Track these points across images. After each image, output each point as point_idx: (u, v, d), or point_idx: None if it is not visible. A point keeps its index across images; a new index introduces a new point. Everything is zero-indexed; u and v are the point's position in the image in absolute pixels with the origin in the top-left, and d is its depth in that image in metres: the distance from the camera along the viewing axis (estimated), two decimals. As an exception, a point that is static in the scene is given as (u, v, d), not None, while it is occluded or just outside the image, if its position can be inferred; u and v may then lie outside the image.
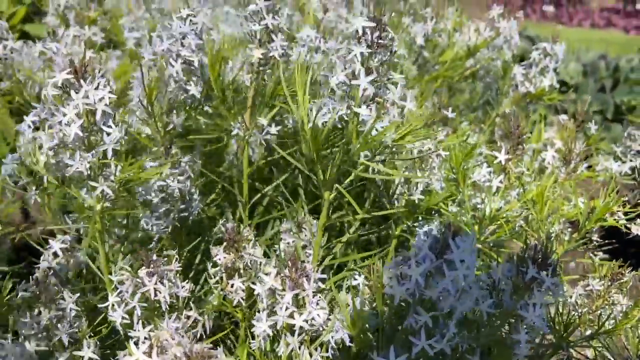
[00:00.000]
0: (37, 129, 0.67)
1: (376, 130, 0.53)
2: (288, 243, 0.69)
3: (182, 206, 0.68)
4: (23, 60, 0.96)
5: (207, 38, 0.94)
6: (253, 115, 0.73)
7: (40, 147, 0.58)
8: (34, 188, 0.71)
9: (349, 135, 0.54)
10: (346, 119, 0.54)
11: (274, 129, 0.75)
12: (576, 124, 1.08)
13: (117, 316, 0.54)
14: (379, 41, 0.53)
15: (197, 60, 0.67)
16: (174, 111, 0.68)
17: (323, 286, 0.52)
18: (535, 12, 7.86)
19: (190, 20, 0.67)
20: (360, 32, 0.52)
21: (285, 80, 0.70)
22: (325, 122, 0.55)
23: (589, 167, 1.10)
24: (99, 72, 0.53)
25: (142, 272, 0.56)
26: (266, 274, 0.52)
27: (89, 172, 0.55)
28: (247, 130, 0.73)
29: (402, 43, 0.99)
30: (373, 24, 0.52)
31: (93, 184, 0.56)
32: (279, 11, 0.72)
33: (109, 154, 0.54)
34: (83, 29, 0.90)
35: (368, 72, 0.54)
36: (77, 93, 0.52)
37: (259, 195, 0.80)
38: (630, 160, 1.08)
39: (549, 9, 7.80)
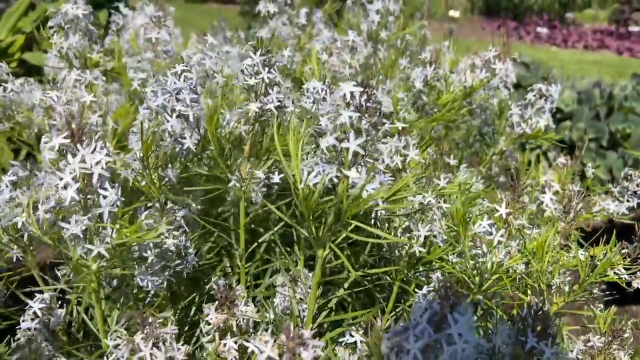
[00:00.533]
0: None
1: (366, 191, 0.53)
2: (284, 297, 0.68)
3: (178, 261, 0.67)
4: (23, 100, 0.96)
5: (209, 85, 0.94)
6: (250, 167, 0.73)
7: (28, 206, 0.58)
8: (14, 247, 0.70)
9: (338, 198, 0.54)
10: (336, 181, 0.54)
11: (275, 178, 0.75)
12: (573, 162, 1.08)
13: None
14: (368, 104, 0.53)
15: (192, 114, 0.67)
16: (169, 165, 0.68)
17: (321, 354, 0.51)
18: (529, 34, 7.95)
19: (185, 76, 0.66)
20: (349, 96, 0.52)
21: (281, 134, 0.70)
22: (316, 183, 0.55)
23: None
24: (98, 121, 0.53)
25: (138, 337, 0.55)
26: (264, 342, 0.51)
27: (84, 234, 0.54)
28: (244, 182, 0.73)
29: (400, 85, 0.99)
30: (361, 89, 0.52)
31: (89, 246, 0.55)
32: (275, 64, 0.72)
33: (105, 216, 0.54)
34: (84, 72, 0.90)
35: (358, 134, 0.53)
36: (74, 157, 0.51)
37: (255, 245, 0.79)
38: (628, 201, 1.08)
39: (543, 30, 7.89)
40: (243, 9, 3.40)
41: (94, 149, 0.53)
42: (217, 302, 0.62)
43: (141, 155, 0.65)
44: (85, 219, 0.53)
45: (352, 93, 0.51)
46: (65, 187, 0.52)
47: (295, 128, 0.57)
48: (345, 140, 0.52)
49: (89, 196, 0.55)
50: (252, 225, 0.88)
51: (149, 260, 0.64)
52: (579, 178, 1.05)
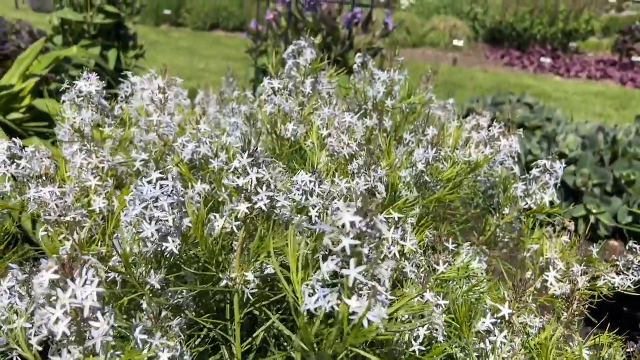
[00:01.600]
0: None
1: (367, 320, 0.53)
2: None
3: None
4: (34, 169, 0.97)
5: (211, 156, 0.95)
6: (241, 265, 0.73)
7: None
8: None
9: (338, 324, 0.54)
10: (337, 309, 0.54)
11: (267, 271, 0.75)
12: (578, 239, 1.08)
13: None
14: (369, 230, 0.53)
15: (171, 219, 0.68)
16: (152, 270, 0.68)
17: None
18: (532, 63, 8.01)
19: (161, 185, 0.67)
20: (348, 227, 0.52)
21: (272, 234, 0.71)
22: (317, 308, 0.55)
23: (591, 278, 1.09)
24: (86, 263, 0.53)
25: None
26: None
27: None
28: (235, 281, 0.73)
29: (403, 163, 1.00)
30: (360, 218, 0.52)
31: None
32: (263, 163, 0.73)
33: (98, 347, 0.54)
34: (91, 157, 0.91)
35: (359, 260, 0.54)
36: (64, 292, 0.52)
37: (249, 340, 0.79)
38: (633, 275, 1.08)
39: (546, 60, 7.95)
40: (250, 47, 3.44)
41: (85, 282, 0.53)
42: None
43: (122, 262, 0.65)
44: (76, 351, 0.54)
45: (352, 222, 0.51)
46: (56, 322, 0.52)
47: (294, 241, 0.58)
48: (346, 268, 0.53)
49: (82, 326, 0.55)
50: (252, 309, 0.88)
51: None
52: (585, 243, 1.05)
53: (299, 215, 0.76)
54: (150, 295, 0.69)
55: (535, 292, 0.99)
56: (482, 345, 0.76)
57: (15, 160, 0.97)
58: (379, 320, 0.51)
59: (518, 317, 0.74)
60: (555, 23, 8.96)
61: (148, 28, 8.51)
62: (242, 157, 0.69)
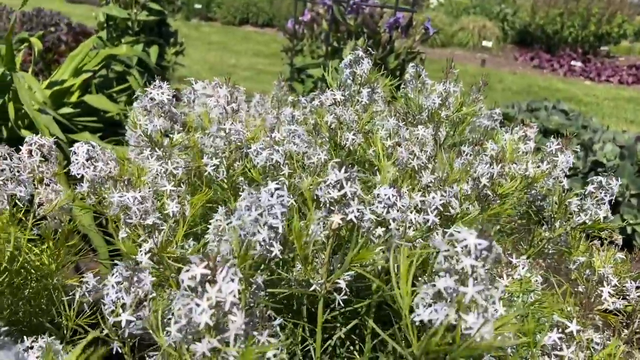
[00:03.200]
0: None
1: (480, 336, 0.56)
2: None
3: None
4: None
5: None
6: (330, 273, 0.77)
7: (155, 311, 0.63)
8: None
9: (453, 339, 0.57)
10: (454, 323, 0.57)
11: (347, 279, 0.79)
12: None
13: None
14: (487, 253, 0.56)
15: (281, 227, 0.72)
16: (258, 271, 0.72)
17: None
18: (562, 66, 7.92)
19: (278, 195, 0.71)
20: (473, 249, 0.55)
21: (362, 246, 0.74)
22: (431, 320, 0.58)
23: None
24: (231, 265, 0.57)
25: None
26: None
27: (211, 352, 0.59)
28: (323, 287, 0.77)
29: (462, 176, 1.03)
30: (483, 241, 0.56)
31: None
32: (356, 178, 0.77)
33: (232, 340, 0.58)
34: (166, 163, 0.95)
35: (475, 280, 0.57)
36: (212, 286, 0.57)
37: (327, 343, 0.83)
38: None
39: (577, 64, 7.85)
40: (286, 46, 3.48)
41: (229, 279, 0.57)
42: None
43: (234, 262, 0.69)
44: (215, 340, 0.58)
45: (474, 244, 0.55)
46: (200, 314, 0.57)
47: (406, 256, 0.61)
48: (464, 286, 0.56)
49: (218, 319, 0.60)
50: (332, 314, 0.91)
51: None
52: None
53: (379, 227, 0.79)
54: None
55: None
56: (546, 359, 0.78)
57: (93, 162, 1.02)
58: (490, 337, 0.54)
59: (583, 332, 0.77)
60: (587, 26, 8.82)
61: (180, 22, 8.61)
62: (339, 172, 0.73)
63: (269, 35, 8.69)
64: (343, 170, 0.76)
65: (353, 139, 1.14)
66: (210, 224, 1.09)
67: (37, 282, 1.07)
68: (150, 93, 1.05)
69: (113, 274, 0.74)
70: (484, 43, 8.27)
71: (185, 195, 1.00)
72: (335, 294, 0.78)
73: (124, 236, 0.90)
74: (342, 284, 0.77)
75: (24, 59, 2.97)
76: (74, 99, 2.32)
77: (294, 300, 0.94)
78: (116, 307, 0.72)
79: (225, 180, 1.06)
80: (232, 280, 0.57)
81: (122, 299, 0.72)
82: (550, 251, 1.31)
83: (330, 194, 0.76)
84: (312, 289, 0.77)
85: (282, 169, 1.01)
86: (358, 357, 0.92)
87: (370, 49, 1.37)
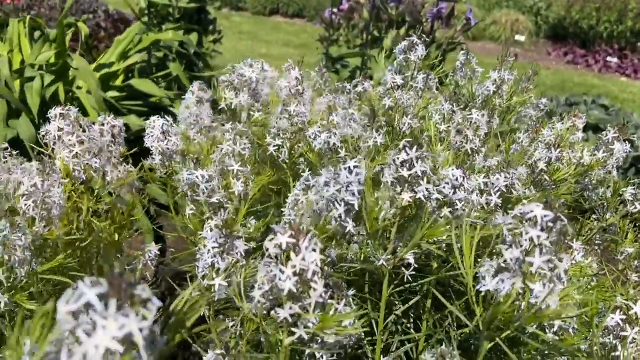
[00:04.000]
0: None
1: (545, 304, 0.58)
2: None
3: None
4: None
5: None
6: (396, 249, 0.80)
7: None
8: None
9: (520, 308, 0.59)
10: (520, 292, 0.60)
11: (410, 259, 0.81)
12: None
13: None
14: (554, 225, 0.58)
15: (357, 204, 0.75)
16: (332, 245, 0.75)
17: None
18: (597, 62, 7.75)
19: (356, 172, 0.74)
20: (540, 220, 0.57)
21: (432, 225, 0.77)
22: (499, 289, 0.61)
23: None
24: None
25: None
26: None
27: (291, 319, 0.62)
28: (390, 262, 0.80)
29: (520, 159, 1.04)
30: (550, 214, 0.57)
31: (293, 329, 0.63)
32: (426, 158, 0.78)
33: (312, 306, 0.61)
34: (235, 144, 0.98)
35: (541, 250, 0.59)
36: (296, 255, 0.59)
37: (391, 317, 0.86)
38: None
39: (613, 60, 7.68)
40: (322, 35, 3.49)
41: (312, 249, 0.60)
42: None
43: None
44: (296, 306, 0.61)
45: (542, 216, 0.57)
46: (284, 280, 0.59)
47: (467, 229, 0.64)
48: (531, 255, 0.58)
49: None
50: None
51: (328, 342, 0.72)
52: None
53: (445, 207, 0.82)
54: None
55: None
56: (607, 339, 0.80)
57: (166, 136, 1.06)
58: (555, 306, 0.56)
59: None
60: (623, 21, 8.62)
61: (211, 10, 8.67)
62: (410, 151, 0.75)
63: (298, 26, 8.71)
64: (414, 149, 0.78)
65: (409, 123, 1.16)
66: (267, 203, 1.13)
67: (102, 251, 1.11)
68: (241, 69, 1.08)
69: (209, 240, 0.78)
70: (517, 37, 8.15)
71: (250, 176, 1.03)
72: (403, 269, 0.80)
73: (190, 212, 0.94)
74: (411, 259, 0.79)
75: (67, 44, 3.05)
76: (118, 82, 2.38)
77: (358, 276, 0.97)
78: (210, 272, 0.76)
79: (287, 161, 1.09)
80: (314, 249, 0.60)
81: (217, 263, 0.76)
82: (597, 241, 1.32)
83: (400, 172, 0.78)
84: (379, 263, 0.80)
85: (339, 152, 1.04)
86: (413, 332, 0.95)
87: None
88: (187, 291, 0.51)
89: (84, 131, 0.98)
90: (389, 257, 0.80)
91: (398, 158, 0.79)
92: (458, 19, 2.50)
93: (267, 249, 0.60)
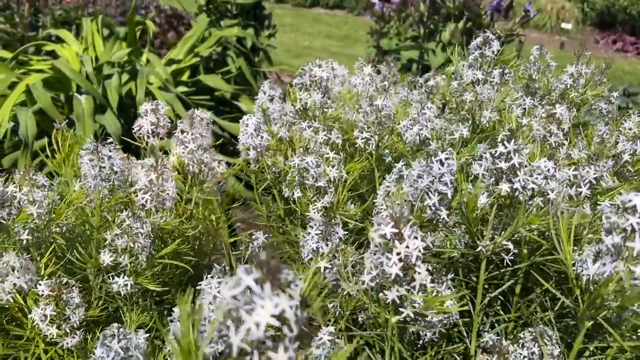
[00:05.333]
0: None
1: None
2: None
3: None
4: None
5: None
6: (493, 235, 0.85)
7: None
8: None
9: (621, 289, 0.65)
10: (622, 275, 0.65)
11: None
12: None
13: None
14: None
15: (449, 193, 0.81)
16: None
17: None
18: (647, 50, 7.53)
19: (448, 164, 0.80)
20: (639, 207, 0.62)
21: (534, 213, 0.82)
22: (602, 273, 0.66)
23: None
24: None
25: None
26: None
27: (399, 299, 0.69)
28: (489, 248, 0.86)
29: (602, 151, 1.08)
30: None
31: (401, 309, 0.70)
32: (523, 150, 0.84)
33: (417, 288, 0.68)
34: (330, 133, 1.06)
35: None
36: (400, 243, 0.66)
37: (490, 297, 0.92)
38: None
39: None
40: (373, 28, 3.53)
41: (414, 237, 0.67)
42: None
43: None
44: (403, 289, 0.68)
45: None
46: (390, 266, 0.66)
47: (564, 217, 0.69)
48: (630, 240, 0.63)
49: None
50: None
51: (432, 321, 0.79)
52: None
53: (537, 197, 0.87)
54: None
55: None
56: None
57: (259, 132, 1.15)
58: None
59: None
60: (676, 6, 8.31)
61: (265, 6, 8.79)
62: (508, 144, 0.81)
63: (339, 17, 8.74)
64: (512, 142, 0.84)
65: (489, 117, 1.21)
66: (356, 191, 1.20)
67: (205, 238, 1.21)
68: (312, 70, 1.16)
69: (312, 227, 0.86)
70: (563, 25, 7.97)
71: (340, 164, 1.11)
72: (502, 254, 0.86)
73: (299, 195, 1.02)
74: (510, 245, 0.85)
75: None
76: (184, 78, 2.49)
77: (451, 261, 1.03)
78: (315, 256, 0.84)
79: (374, 152, 1.15)
80: (416, 237, 0.66)
81: (322, 248, 0.84)
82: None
83: (497, 164, 0.84)
84: (477, 250, 0.86)
85: (429, 144, 1.10)
86: (503, 313, 1.01)
87: (471, 31, 1.42)
88: (307, 273, 0.57)
89: (192, 127, 1.08)
90: (487, 243, 0.86)
91: (495, 151, 0.85)
92: (516, 11, 2.50)
93: (372, 239, 0.66)
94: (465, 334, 0.92)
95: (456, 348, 0.91)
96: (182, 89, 2.35)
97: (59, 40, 2.56)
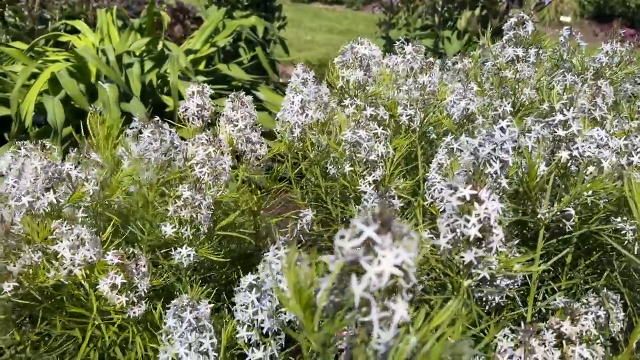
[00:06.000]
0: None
1: None
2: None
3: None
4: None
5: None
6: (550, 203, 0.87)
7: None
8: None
9: None
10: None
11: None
12: None
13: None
14: None
15: (510, 161, 0.82)
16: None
17: None
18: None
19: (510, 131, 0.81)
20: None
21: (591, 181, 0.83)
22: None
23: None
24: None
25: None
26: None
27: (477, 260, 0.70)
28: (546, 215, 0.87)
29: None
30: None
31: (475, 270, 0.71)
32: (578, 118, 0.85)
33: (494, 249, 0.69)
34: (368, 108, 1.07)
35: None
36: (480, 205, 0.67)
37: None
38: None
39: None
40: (382, 19, 3.55)
41: (492, 199, 0.68)
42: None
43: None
44: (480, 251, 0.69)
45: None
46: (469, 228, 0.67)
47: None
48: None
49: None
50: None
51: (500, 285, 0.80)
52: None
53: (590, 166, 0.89)
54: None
55: None
56: None
57: (305, 110, 1.15)
58: None
59: None
60: (673, -1, 8.37)
61: None
62: (568, 112, 0.82)
63: (338, 12, 8.74)
64: (571, 110, 0.85)
65: (529, 94, 1.22)
66: (401, 166, 1.21)
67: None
68: (354, 47, 1.17)
69: (368, 200, 0.87)
70: (562, 18, 8.01)
71: (387, 140, 1.12)
72: (564, 220, 0.87)
73: (349, 169, 1.03)
74: (572, 211, 0.86)
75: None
76: (201, 67, 2.49)
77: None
78: None
79: (417, 129, 1.17)
80: (494, 199, 0.67)
81: None
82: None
83: (556, 132, 0.85)
84: (537, 217, 0.87)
85: (475, 118, 1.11)
86: (552, 283, 1.02)
87: (487, 18, 1.43)
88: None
89: (242, 106, 1.08)
90: (546, 210, 0.88)
91: (554, 119, 0.86)
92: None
93: (448, 202, 0.67)
94: (520, 302, 0.94)
95: (516, 314, 0.92)
96: (200, 78, 2.35)
97: (74, 31, 2.55)
